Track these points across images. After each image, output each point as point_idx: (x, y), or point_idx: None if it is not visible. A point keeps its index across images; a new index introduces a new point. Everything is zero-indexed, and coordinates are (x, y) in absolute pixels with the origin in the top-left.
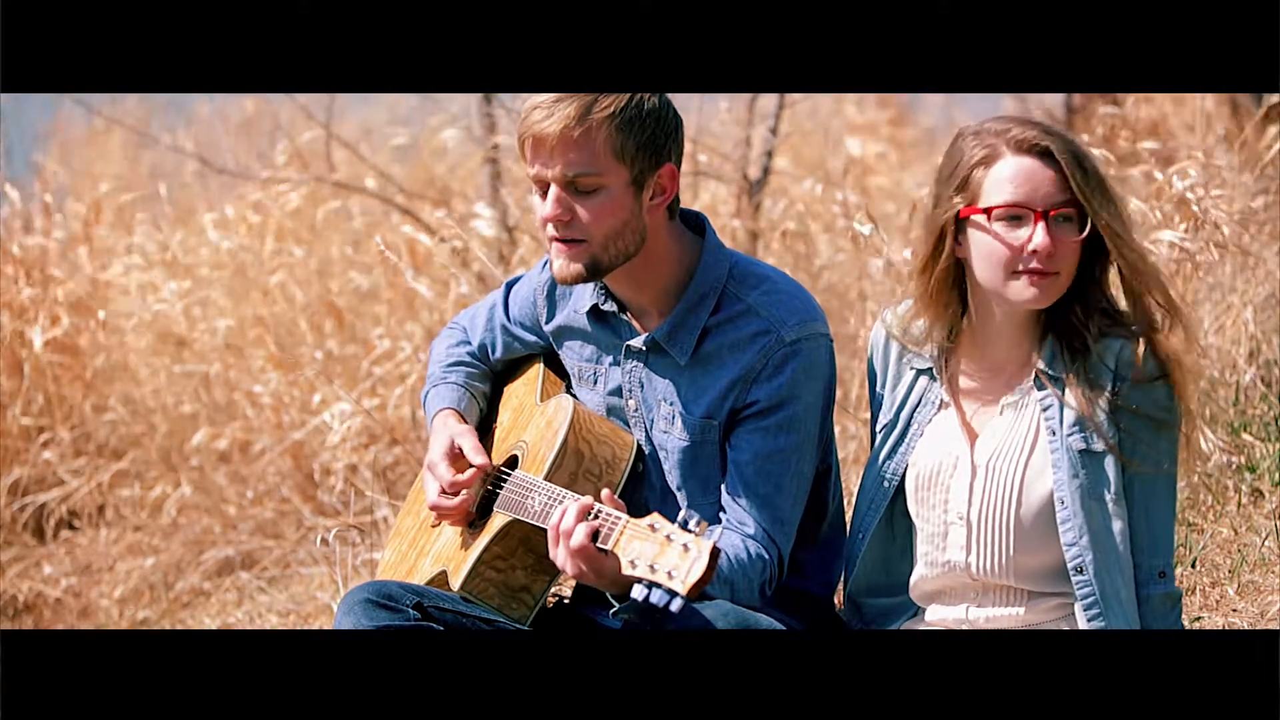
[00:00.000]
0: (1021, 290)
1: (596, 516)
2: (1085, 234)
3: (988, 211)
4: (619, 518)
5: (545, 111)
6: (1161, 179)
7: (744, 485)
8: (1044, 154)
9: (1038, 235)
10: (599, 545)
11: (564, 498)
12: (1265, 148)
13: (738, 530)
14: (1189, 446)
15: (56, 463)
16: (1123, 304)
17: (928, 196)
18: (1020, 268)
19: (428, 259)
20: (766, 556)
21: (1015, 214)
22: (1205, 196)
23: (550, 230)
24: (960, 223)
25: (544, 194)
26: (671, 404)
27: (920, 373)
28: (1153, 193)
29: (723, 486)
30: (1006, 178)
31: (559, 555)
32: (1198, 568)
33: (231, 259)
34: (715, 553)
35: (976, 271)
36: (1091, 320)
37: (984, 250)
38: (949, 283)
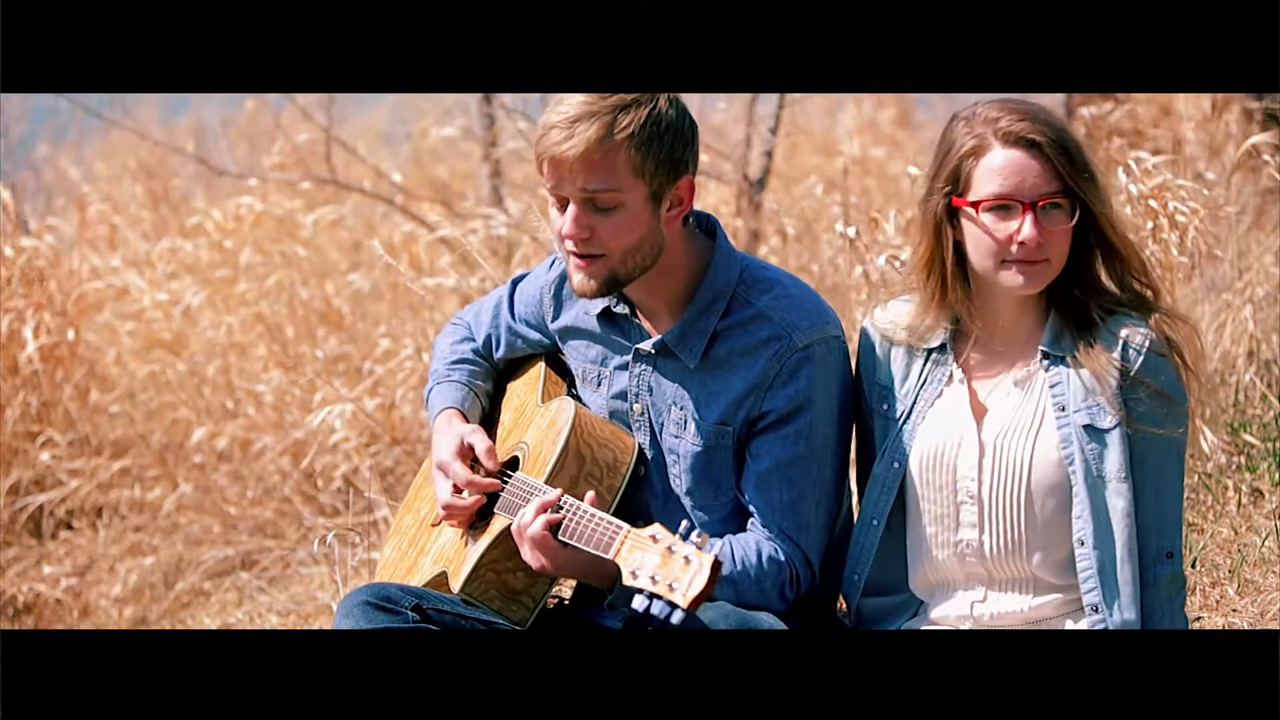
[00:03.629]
0: (1011, 279)
1: (559, 509)
2: (1075, 220)
3: (976, 204)
4: (586, 511)
5: (564, 132)
6: (1127, 179)
7: (766, 493)
8: (1031, 145)
9: (1026, 227)
10: (560, 538)
11: None
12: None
13: (758, 533)
14: (1191, 436)
15: (55, 464)
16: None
17: (921, 184)
18: (1009, 257)
19: (427, 259)
20: (782, 560)
21: (1003, 205)
22: (1169, 191)
23: (569, 245)
24: (953, 211)
25: (562, 209)
26: (683, 409)
27: (932, 351)
28: (1127, 196)
29: (745, 494)
30: (995, 170)
31: (522, 547)
32: (1198, 568)
33: (230, 259)
34: (716, 566)
35: (970, 256)
36: (1092, 300)
37: (974, 240)
38: (956, 268)
